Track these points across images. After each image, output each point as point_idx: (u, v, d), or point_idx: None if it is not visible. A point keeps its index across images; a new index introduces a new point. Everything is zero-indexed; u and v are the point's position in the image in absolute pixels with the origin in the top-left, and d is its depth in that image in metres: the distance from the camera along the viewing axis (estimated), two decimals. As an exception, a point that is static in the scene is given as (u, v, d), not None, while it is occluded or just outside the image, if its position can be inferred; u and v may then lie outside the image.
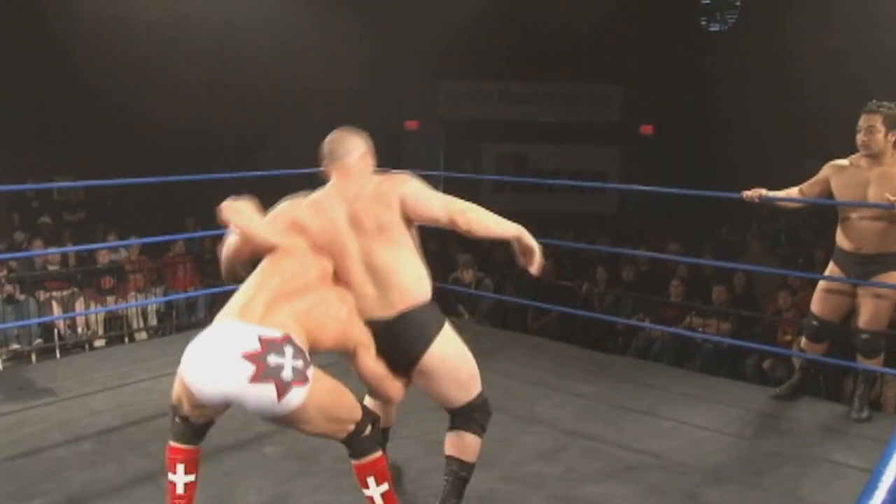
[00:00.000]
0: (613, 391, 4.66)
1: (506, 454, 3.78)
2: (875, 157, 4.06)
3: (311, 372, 2.46)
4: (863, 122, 4.06)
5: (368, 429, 2.68)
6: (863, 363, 4.32)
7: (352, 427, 2.63)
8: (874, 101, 4.05)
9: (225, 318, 2.50)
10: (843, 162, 4.24)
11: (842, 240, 4.27)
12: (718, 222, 11.21)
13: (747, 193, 4.37)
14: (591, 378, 4.87)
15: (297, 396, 2.40)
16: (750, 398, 4.57)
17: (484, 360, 4.91)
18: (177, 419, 2.66)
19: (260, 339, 2.37)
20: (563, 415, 4.29)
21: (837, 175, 4.22)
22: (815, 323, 4.41)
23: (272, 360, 2.35)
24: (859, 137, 4.07)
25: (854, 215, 4.18)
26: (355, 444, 2.67)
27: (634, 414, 4.31)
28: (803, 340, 4.58)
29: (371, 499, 2.69)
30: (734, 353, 6.75)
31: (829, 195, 4.28)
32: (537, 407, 4.39)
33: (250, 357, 2.34)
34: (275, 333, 2.40)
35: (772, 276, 7.97)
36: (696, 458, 3.78)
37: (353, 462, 2.71)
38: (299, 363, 2.40)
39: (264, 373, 2.34)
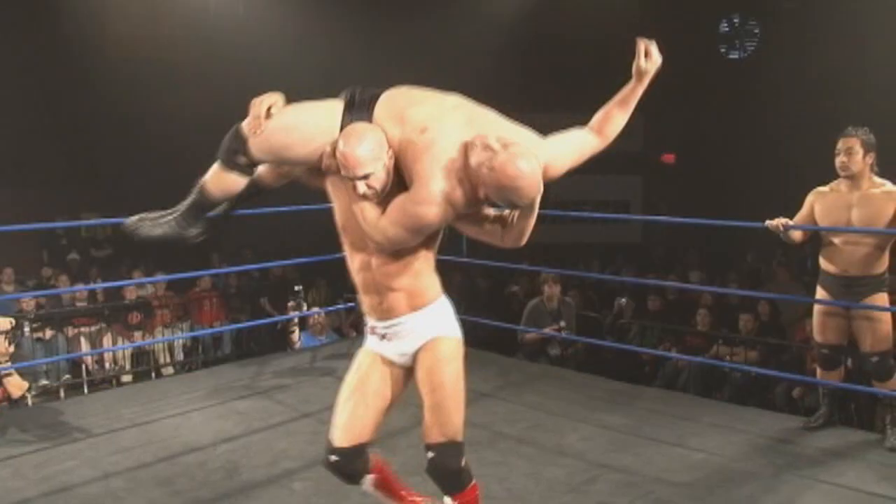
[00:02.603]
0: (642, 422, 4.62)
1: (535, 488, 3.75)
2: (854, 180, 4.22)
3: None
4: (841, 144, 4.22)
5: None
6: (881, 388, 4.31)
7: None
8: (851, 126, 4.21)
9: None
10: (825, 188, 4.37)
11: (826, 264, 4.36)
12: (743, 250, 11.12)
13: (771, 223, 4.40)
14: (619, 409, 4.84)
15: None
16: (781, 428, 4.52)
17: (511, 393, 4.94)
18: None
19: None
20: (593, 447, 4.26)
21: (820, 200, 4.35)
22: (824, 351, 4.45)
23: None
24: (839, 160, 4.22)
25: (837, 239, 4.28)
26: None
27: (664, 445, 4.27)
28: (818, 370, 4.56)
29: None
30: (763, 382, 6.67)
31: (814, 221, 4.36)
32: (566, 439, 4.36)
33: None
34: None
35: (798, 303, 7.89)
36: (728, 489, 3.73)
37: None
38: None
39: None
